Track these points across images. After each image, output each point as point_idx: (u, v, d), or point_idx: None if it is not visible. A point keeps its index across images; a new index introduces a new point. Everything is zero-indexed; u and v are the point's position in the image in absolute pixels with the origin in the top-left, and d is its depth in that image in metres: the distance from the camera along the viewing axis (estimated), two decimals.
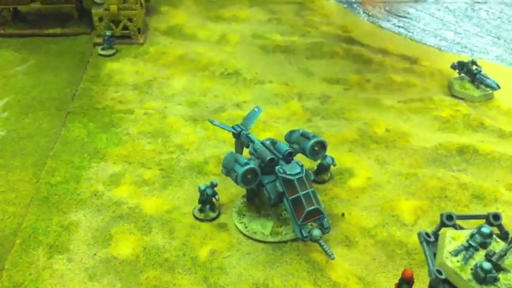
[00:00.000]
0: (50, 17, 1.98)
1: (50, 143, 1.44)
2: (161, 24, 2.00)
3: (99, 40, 1.82)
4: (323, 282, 1.08)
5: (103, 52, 1.80)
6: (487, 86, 1.69)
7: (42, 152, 1.41)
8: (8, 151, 1.42)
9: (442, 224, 0.87)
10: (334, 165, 1.33)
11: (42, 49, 1.85)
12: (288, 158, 1.15)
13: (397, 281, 1.01)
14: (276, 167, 1.12)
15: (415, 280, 1.00)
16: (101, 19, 1.83)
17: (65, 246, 1.15)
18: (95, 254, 1.13)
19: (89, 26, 1.92)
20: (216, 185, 1.21)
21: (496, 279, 0.76)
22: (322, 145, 1.19)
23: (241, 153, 1.26)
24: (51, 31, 1.92)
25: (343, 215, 1.20)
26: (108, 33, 1.79)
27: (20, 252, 1.14)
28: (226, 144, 1.42)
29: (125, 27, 1.85)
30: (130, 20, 1.83)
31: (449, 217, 0.86)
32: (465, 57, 1.85)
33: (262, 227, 1.18)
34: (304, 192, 1.10)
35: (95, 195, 1.27)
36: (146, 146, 1.42)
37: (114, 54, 1.80)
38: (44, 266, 1.10)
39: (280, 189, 1.11)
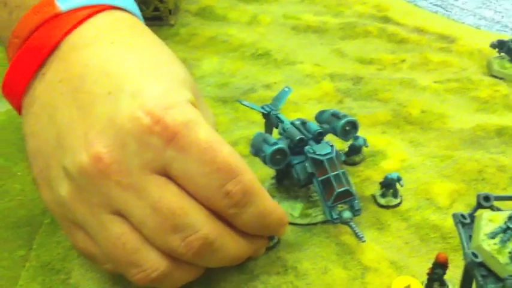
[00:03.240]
0: None
1: None
2: (192, 5, 1.98)
3: None
4: (353, 265, 1.05)
5: None
6: None
7: None
8: None
9: (479, 206, 0.82)
10: (367, 147, 1.29)
11: None
12: (318, 138, 1.12)
13: (430, 265, 0.98)
14: (306, 147, 1.09)
15: (449, 264, 0.97)
16: None
17: None
18: None
19: None
20: None
21: None
22: (354, 125, 1.15)
23: (271, 134, 1.23)
24: None
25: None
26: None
27: (48, 232, 1.13)
28: (256, 125, 1.39)
29: (156, 9, 1.83)
30: (161, 1, 1.81)
31: (487, 198, 0.82)
32: (505, 37, 1.77)
33: (292, 209, 1.15)
34: (335, 173, 1.07)
35: None
36: None
37: None
38: (72, 246, 1.10)
39: (310, 170, 1.08)
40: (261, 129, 1.30)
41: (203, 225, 0.82)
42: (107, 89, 0.81)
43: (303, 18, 1.91)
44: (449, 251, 1.07)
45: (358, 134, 1.20)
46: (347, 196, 1.07)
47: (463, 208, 1.17)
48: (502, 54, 1.68)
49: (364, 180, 1.25)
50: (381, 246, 1.09)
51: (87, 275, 1.04)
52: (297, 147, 1.11)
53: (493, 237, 0.76)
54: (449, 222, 1.11)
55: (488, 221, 0.78)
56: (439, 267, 0.96)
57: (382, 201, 1.17)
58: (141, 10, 1.80)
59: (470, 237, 0.79)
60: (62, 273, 1.05)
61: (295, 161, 1.11)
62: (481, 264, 0.75)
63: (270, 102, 1.28)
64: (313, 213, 1.14)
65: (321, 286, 1.01)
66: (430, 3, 2.13)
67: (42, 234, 1.13)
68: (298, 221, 1.13)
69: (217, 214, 0.86)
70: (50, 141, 0.85)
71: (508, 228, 0.76)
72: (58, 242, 1.11)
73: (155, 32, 1.80)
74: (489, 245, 0.75)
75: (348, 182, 1.08)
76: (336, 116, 1.16)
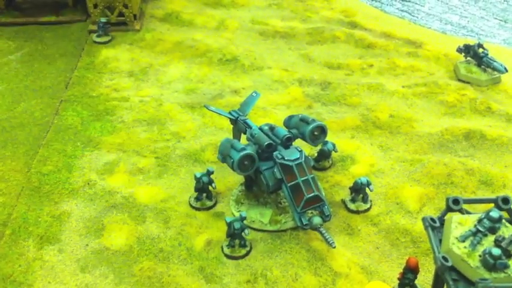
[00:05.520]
0: (45, 5, 1.94)
1: (42, 132, 1.40)
2: (158, 10, 1.95)
3: (94, 27, 1.78)
4: (324, 271, 1.03)
5: (98, 39, 1.76)
6: (494, 69, 1.64)
7: (34, 141, 1.37)
8: None
9: (448, 209, 0.82)
10: (336, 152, 1.28)
11: (36, 37, 1.81)
12: (287, 143, 1.10)
13: (401, 270, 0.97)
14: (274, 153, 1.08)
15: (420, 269, 0.96)
16: (95, 6, 1.79)
17: (56, 236, 1.11)
18: (86, 245, 1.09)
19: (84, 13, 1.89)
20: (212, 173, 1.16)
21: (506, 266, 0.72)
22: (322, 130, 1.14)
23: (239, 140, 1.21)
24: (45, 19, 1.89)
25: None
26: (103, 19, 1.75)
27: (10, 244, 1.10)
28: (224, 131, 1.38)
29: (121, 14, 1.80)
30: (125, 6, 1.79)
31: (456, 201, 0.82)
32: (471, 41, 1.79)
33: (261, 216, 1.14)
34: (304, 178, 1.06)
35: (88, 184, 1.23)
36: (141, 134, 1.38)
37: (109, 41, 1.76)
38: (34, 257, 1.07)
39: (279, 176, 1.07)
40: (229, 135, 1.28)
41: None
42: None
43: (270, 23, 1.90)
44: (420, 255, 1.06)
45: (327, 139, 1.19)
46: (317, 202, 1.06)
47: (432, 212, 1.17)
48: (469, 58, 1.70)
49: (334, 185, 1.24)
50: (351, 251, 1.08)
51: (50, 287, 1.01)
52: (266, 152, 1.10)
53: (463, 241, 0.75)
54: (419, 226, 1.10)
55: (458, 224, 0.78)
56: (410, 271, 0.95)
57: (352, 206, 1.17)
58: (106, 15, 1.78)
59: (440, 240, 0.78)
60: (24, 286, 1.02)
61: (264, 167, 1.09)
62: (452, 268, 0.74)
63: (238, 107, 1.26)
64: (282, 220, 1.13)
65: None
66: (397, 8, 2.14)
67: (3, 246, 1.09)
68: (268, 227, 1.12)
69: None
70: None
71: (478, 231, 0.76)
72: (20, 254, 1.07)
73: (120, 37, 1.78)
74: (459, 249, 0.74)
75: (318, 188, 1.07)
76: (304, 121, 1.15)
